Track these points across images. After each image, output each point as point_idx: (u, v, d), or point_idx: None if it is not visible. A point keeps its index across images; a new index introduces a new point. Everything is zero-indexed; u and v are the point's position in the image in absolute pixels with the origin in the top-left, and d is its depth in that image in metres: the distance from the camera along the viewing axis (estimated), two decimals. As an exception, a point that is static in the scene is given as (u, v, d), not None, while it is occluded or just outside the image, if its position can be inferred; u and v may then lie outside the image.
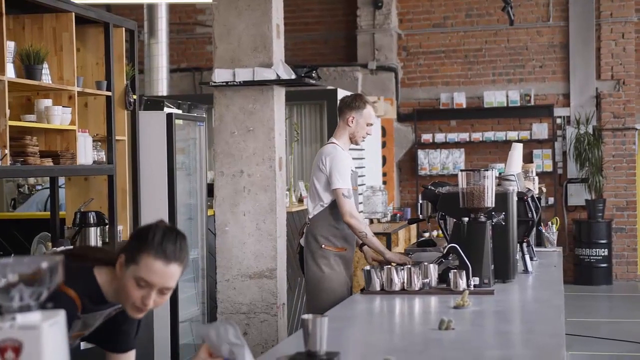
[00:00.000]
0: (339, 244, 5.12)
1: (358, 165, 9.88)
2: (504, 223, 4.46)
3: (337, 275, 5.09)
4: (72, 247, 4.74)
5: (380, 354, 2.71)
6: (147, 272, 2.53)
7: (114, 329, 2.80)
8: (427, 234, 11.56)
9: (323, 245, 5.08)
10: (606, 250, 12.07)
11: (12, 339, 1.70)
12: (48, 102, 4.98)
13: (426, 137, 12.74)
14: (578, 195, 12.40)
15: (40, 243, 5.61)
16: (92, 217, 5.36)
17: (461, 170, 4.41)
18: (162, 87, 10.44)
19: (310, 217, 5.20)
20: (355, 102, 5.20)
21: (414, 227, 10.86)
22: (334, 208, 5.06)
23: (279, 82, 5.48)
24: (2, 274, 1.73)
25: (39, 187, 8.46)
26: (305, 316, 2.68)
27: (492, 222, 4.39)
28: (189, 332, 6.60)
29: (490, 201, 4.33)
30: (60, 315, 1.77)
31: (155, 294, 2.56)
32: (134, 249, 2.57)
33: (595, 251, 12.04)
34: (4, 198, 8.96)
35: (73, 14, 5.12)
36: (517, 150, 5.41)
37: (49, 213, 5.67)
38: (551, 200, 12.36)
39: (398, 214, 10.51)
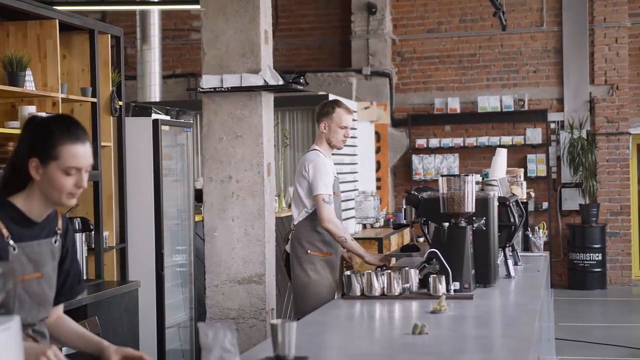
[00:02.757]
0: (324, 249, 5.18)
1: (351, 170, 9.91)
2: (484, 228, 4.48)
3: (323, 280, 5.15)
4: None
5: (350, 359, 2.72)
6: (73, 159, 2.62)
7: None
8: (422, 239, 11.55)
9: (309, 251, 5.16)
10: (600, 254, 12.07)
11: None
12: (32, 108, 5.00)
13: (420, 142, 12.75)
14: (572, 200, 12.41)
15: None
16: (77, 223, 5.38)
17: (442, 176, 4.43)
18: (154, 93, 10.46)
19: (294, 223, 5.29)
20: (324, 108, 5.32)
21: (407, 232, 10.86)
22: None
23: (266, 88, 5.50)
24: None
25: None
26: (274, 321, 2.70)
27: (473, 227, 4.40)
28: (176, 337, 6.61)
29: (470, 206, 4.34)
30: (15, 321, 1.79)
31: (84, 175, 2.67)
32: (46, 149, 2.61)
33: (590, 256, 12.05)
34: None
35: (57, 21, 5.14)
36: (501, 156, 5.43)
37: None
38: (545, 205, 12.37)
39: (391, 219, 10.52)
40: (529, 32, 12.65)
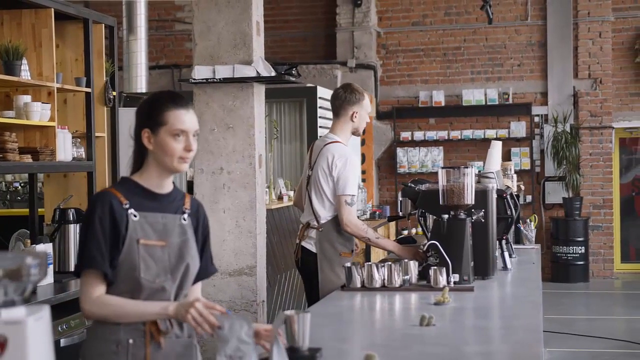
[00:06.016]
0: (350, 247, 4.97)
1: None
2: (483, 220, 4.49)
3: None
4: None
5: (362, 350, 2.72)
6: (179, 122, 2.79)
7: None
8: (406, 232, 11.60)
9: (341, 253, 4.90)
10: (583, 247, 12.16)
11: (-3, 334, 1.69)
12: (27, 98, 4.96)
13: (405, 135, 12.78)
14: (555, 193, 12.49)
15: (18, 240, 5.57)
16: (71, 214, 5.33)
17: (441, 168, 4.43)
18: (141, 84, 10.39)
19: (321, 221, 4.92)
20: (355, 95, 4.95)
21: (393, 224, 10.90)
22: None
23: (258, 79, 5.48)
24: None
25: (17, 184, 8.40)
26: (288, 312, 2.69)
27: (472, 219, 4.42)
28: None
29: (470, 198, 4.35)
30: (45, 311, 1.77)
31: (192, 139, 2.82)
32: (154, 117, 2.82)
33: (572, 249, 12.14)
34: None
35: (52, 9, 5.09)
36: (497, 148, 5.45)
37: (27, 210, 5.63)
38: (529, 198, 12.44)
39: (377, 212, 10.54)
40: (514, 25, 12.70)
